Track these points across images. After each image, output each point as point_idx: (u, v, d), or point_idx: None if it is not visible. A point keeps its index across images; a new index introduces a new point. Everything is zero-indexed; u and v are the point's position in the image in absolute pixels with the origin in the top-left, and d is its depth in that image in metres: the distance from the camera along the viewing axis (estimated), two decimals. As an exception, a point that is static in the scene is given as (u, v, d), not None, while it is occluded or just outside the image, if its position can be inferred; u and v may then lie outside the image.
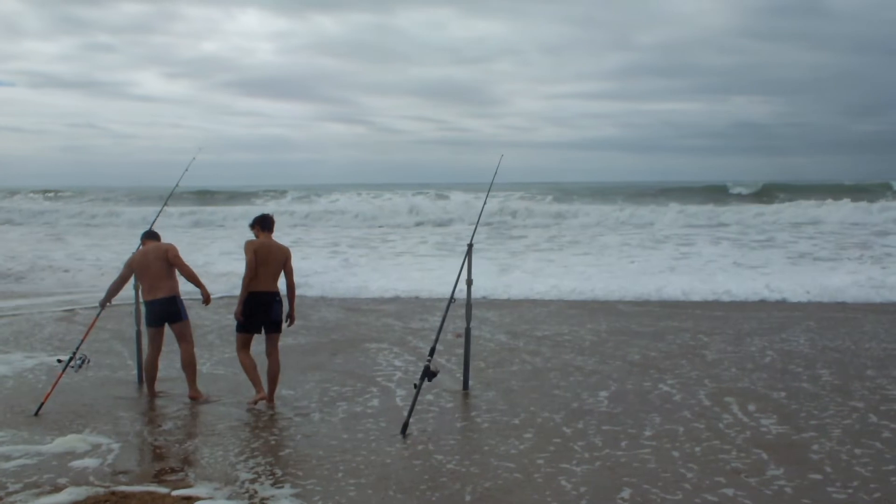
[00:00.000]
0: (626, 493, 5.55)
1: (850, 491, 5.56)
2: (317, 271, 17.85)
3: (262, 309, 7.87)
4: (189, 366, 8.25)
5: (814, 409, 7.60)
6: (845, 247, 23.08)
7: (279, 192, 54.80)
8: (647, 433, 6.97)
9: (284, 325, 8.11)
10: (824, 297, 14.37)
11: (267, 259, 7.86)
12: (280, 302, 7.97)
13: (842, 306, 13.69)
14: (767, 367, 9.43)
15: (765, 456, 6.29)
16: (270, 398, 7.99)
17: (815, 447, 6.51)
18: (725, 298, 14.58)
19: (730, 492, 5.55)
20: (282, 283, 8.06)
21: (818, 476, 5.86)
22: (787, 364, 9.52)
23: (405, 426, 6.88)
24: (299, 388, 8.68)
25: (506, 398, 8.13)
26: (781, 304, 14.12)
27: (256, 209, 40.96)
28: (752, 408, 7.67)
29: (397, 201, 43.99)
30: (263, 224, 8.08)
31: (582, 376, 9.11)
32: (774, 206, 37.50)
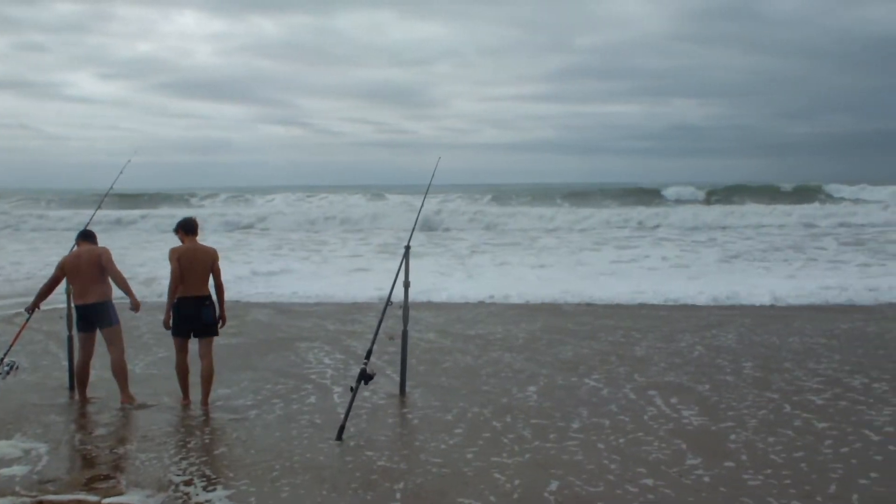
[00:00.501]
0: (553, 486, 5.72)
1: (761, 478, 5.82)
2: (252, 274, 17.72)
3: (191, 313, 7.88)
4: (120, 371, 8.19)
5: (733, 401, 7.90)
6: (780, 248, 23.82)
7: (213, 194, 54.22)
8: (575, 426, 7.18)
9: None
10: (758, 297, 14.53)
11: (192, 264, 7.87)
12: (211, 305, 7.99)
13: (773, 308, 13.90)
14: (695, 361, 9.73)
15: (684, 446, 6.54)
16: (205, 401, 8.00)
17: (733, 437, 6.78)
18: (661, 300, 14.67)
19: (650, 482, 5.76)
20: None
21: (733, 464, 6.12)
22: (714, 358, 9.84)
23: (341, 430, 6.89)
24: (234, 388, 8.71)
25: (437, 396, 8.26)
26: (715, 305, 14.29)
27: (193, 211, 40.38)
28: (674, 400, 7.93)
29: (336, 203, 43.98)
30: (187, 228, 8.08)
31: (512, 373, 9.30)
32: (711, 208, 38.46)
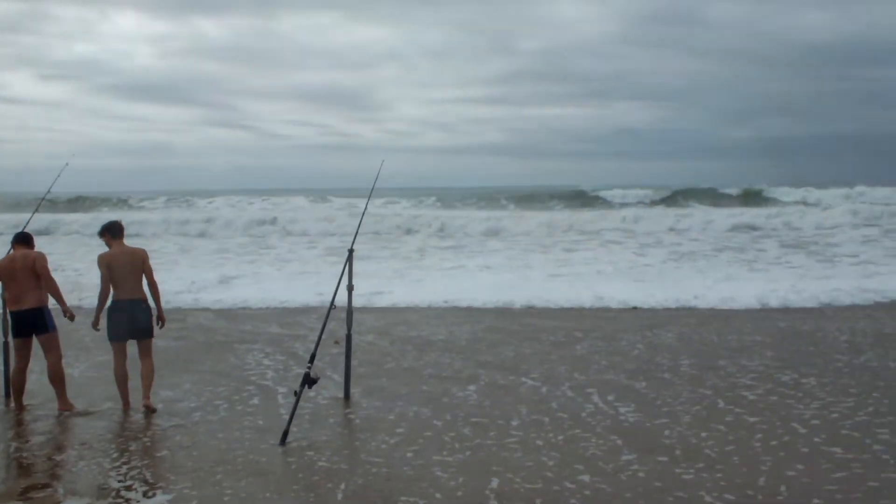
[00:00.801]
0: (494, 483, 5.82)
1: (692, 472, 5.98)
2: (194, 279, 17.43)
3: (127, 317, 7.85)
4: (57, 378, 8.07)
5: (669, 398, 8.10)
6: (723, 250, 24.31)
7: (152, 197, 53.43)
8: (514, 423, 7.30)
9: (157, 328, 8.09)
10: (703, 300, 14.57)
11: (123, 267, 7.85)
12: (147, 308, 7.97)
13: (715, 310, 13.92)
14: (635, 359, 9.94)
15: (620, 442, 6.69)
16: (146, 395, 7.95)
17: (667, 432, 6.95)
18: (606, 303, 14.56)
19: (587, 478, 5.89)
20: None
21: (667, 458, 6.29)
22: (654, 356, 10.05)
23: (285, 434, 6.87)
24: (176, 390, 8.68)
25: (379, 397, 8.30)
26: (660, 307, 14.25)
27: (134, 215, 39.68)
28: (612, 398, 8.10)
29: (280, 206, 43.63)
30: (113, 231, 8.05)
31: (453, 372, 9.41)
32: (656, 211, 39.04)
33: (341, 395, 8.33)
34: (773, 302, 14.31)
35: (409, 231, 31.84)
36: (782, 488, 5.64)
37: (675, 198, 48.53)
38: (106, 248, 8.04)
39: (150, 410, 7.86)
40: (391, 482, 5.89)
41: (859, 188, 48.98)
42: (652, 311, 13.83)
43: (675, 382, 8.74)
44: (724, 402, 7.91)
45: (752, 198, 47.95)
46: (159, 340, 9.55)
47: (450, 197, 52.28)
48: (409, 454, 6.50)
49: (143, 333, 8.01)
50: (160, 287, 8.22)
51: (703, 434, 6.90)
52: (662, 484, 5.76)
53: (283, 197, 52.45)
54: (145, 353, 8.04)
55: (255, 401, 8.25)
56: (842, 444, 6.58)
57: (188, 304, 14.72)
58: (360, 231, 8.68)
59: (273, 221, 34.43)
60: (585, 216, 35.23)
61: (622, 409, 7.71)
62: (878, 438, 6.74)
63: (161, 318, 8.11)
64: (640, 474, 5.97)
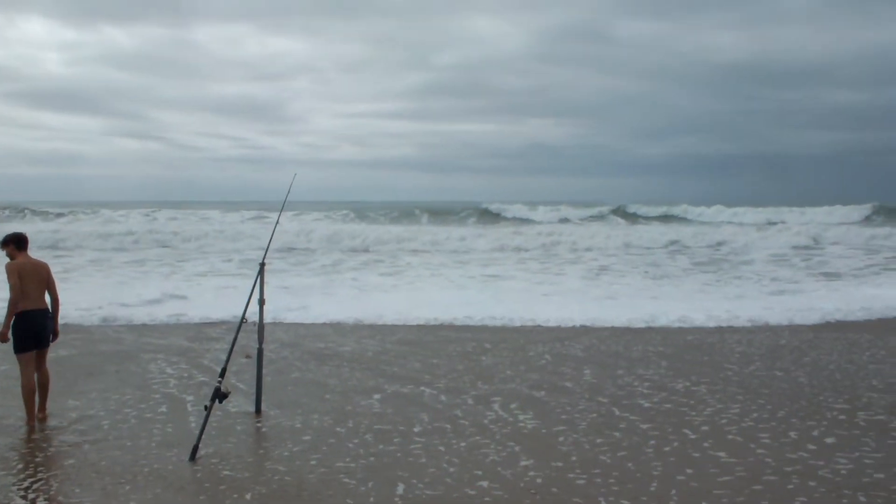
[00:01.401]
0: (400, 489, 5.96)
1: (586, 477, 6.22)
2: (106, 294, 17.01)
3: (38, 327, 7.83)
4: None
5: (567, 406, 8.37)
6: (637, 265, 24.96)
7: (64, 208, 51.86)
8: (417, 430, 7.47)
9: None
10: (616, 318, 14.39)
11: (31, 278, 7.82)
12: (50, 318, 7.98)
13: (629, 327, 13.84)
14: (540, 369, 10.19)
15: (518, 448, 6.91)
16: (42, 407, 7.94)
17: (562, 439, 7.21)
18: (520, 319, 14.34)
19: (486, 484, 6.07)
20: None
21: (561, 464, 6.52)
22: (559, 367, 10.33)
23: (195, 450, 6.79)
24: (83, 399, 8.58)
25: (285, 408, 8.33)
26: (566, 324, 14.05)
27: (43, 226, 38.47)
28: (514, 406, 8.33)
29: (190, 218, 42.93)
30: (18, 243, 7.98)
31: (357, 382, 9.53)
32: (573, 227, 39.85)
33: (251, 408, 8.28)
34: (685, 319, 14.34)
35: (322, 245, 31.63)
36: (672, 492, 5.90)
37: (591, 213, 49.69)
38: (7, 259, 7.93)
39: (43, 421, 7.83)
40: (301, 490, 5.96)
41: (770, 208, 51.32)
42: (559, 326, 13.89)
43: (576, 391, 9.02)
44: (619, 410, 8.21)
45: (666, 215, 49.54)
46: (60, 349, 9.38)
47: (364, 210, 52.28)
48: (313, 462, 6.57)
49: (46, 343, 8.01)
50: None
51: (599, 440, 7.17)
52: (560, 490, 5.96)
53: (196, 209, 51.65)
54: (42, 361, 8.04)
55: (163, 408, 8.21)
56: (727, 449, 6.92)
57: (94, 322, 14.14)
58: (274, 245, 8.63)
59: (181, 233, 33.85)
60: (500, 231, 35.66)
61: (521, 417, 7.94)
62: (761, 443, 7.11)
63: (55, 333, 8.11)
64: (538, 480, 6.17)
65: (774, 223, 43.82)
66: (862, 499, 5.77)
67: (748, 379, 9.64)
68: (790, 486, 6.02)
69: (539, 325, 13.99)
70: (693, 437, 7.29)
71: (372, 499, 5.76)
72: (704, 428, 7.57)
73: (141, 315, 14.81)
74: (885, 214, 51.26)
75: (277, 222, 9.11)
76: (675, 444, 7.09)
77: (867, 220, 49.71)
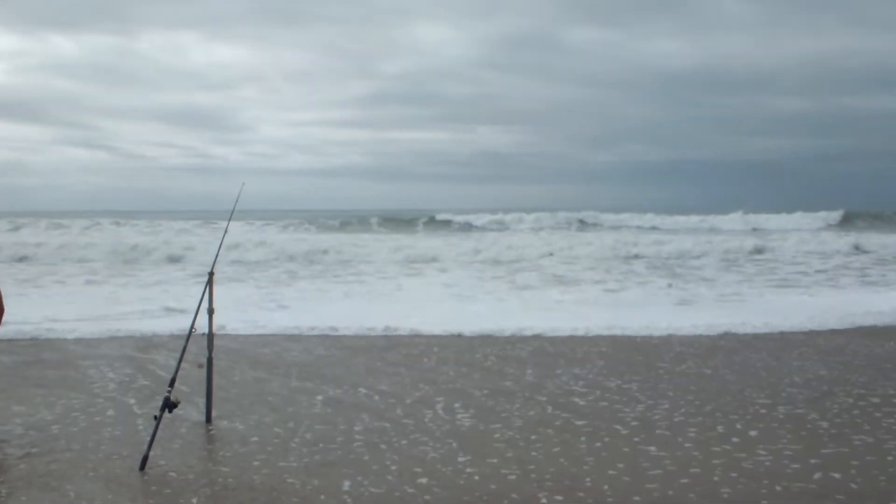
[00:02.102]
0: (346, 486, 6.13)
1: (520, 472, 6.46)
2: (49, 307, 16.81)
3: None
4: None
5: (506, 404, 8.63)
6: (593, 268, 25.35)
7: (8, 217, 50.88)
8: (358, 428, 7.69)
9: None
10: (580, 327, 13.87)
11: None
12: None
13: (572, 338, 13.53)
14: (485, 370, 10.46)
15: (455, 445, 7.15)
16: None
17: (497, 436, 7.46)
18: (476, 327, 13.90)
19: (425, 481, 6.26)
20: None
21: (496, 461, 6.75)
22: (503, 367, 10.58)
23: (144, 460, 6.72)
24: (27, 404, 8.62)
25: (234, 415, 8.43)
26: (517, 331, 13.69)
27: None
28: (457, 405, 8.59)
29: (142, 230, 42.47)
30: None
31: (299, 382, 9.74)
32: (518, 238, 39.98)
33: (201, 416, 8.23)
34: (629, 327, 14.01)
35: (272, 254, 30.84)
36: (605, 487, 6.12)
37: (542, 221, 50.12)
38: None
39: None
40: (251, 490, 6.09)
41: (715, 216, 52.44)
42: (508, 335, 13.50)
43: (515, 390, 9.28)
44: (553, 408, 8.47)
45: (616, 222, 50.28)
46: (3, 356, 9.36)
47: (315, 219, 52.10)
48: (256, 463, 6.71)
49: None
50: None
51: (533, 437, 7.42)
52: (497, 487, 6.14)
53: (146, 219, 51.06)
54: None
55: (110, 417, 8.23)
56: (657, 443, 7.23)
57: (41, 334, 13.61)
58: (224, 255, 8.66)
59: (136, 245, 33.38)
60: (453, 240, 35.60)
61: (461, 415, 8.17)
62: (688, 437, 7.44)
63: None
64: (476, 477, 6.36)
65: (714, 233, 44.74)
66: (778, 489, 6.08)
67: (678, 377, 10.00)
68: (715, 479, 6.31)
69: (491, 336, 13.57)
70: (625, 432, 7.58)
71: (322, 497, 5.90)
72: (635, 423, 7.86)
73: (88, 327, 14.31)
74: (849, 220, 52.63)
75: (226, 231, 9.09)
76: (607, 439, 7.36)
77: (828, 226, 50.61)
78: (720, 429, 7.70)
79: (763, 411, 8.35)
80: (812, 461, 6.75)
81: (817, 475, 6.41)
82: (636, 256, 31.42)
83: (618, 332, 13.62)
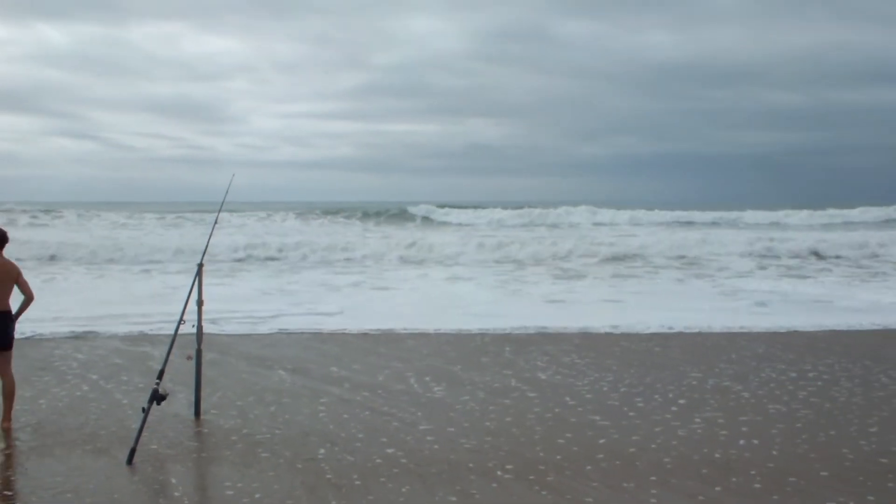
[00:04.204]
0: (322, 452, 6.60)
1: (475, 442, 6.96)
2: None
3: (2, 329, 7.53)
4: None
5: (475, 377, 9.26)
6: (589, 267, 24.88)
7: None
8: (324, 400, 8.29)
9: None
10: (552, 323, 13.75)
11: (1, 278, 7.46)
12: (11, 320, 7.63)
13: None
14: (461, 348, 11.21)
15: (419, 414, 7.73)
16: (7, 417, 7.53)
17: (458, 407, 8.02)
18: (454, 326, 13.44)
19: (392, 451, 6.69)
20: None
21: (453, 429, 7.29)
22: (484, 346, 11.36)
23: (132, 453, 6.49)
24: (18, 402, 8.06)
25: (220, 407, 8.37)
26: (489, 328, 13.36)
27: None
28: (428, 378, 9.24)
29: (133, 221, 42.43)
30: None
31: (262, 369, 10.03)
32: (508, 231, 39.77)
33: (189, 409, 8.01)
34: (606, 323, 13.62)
35: (261, 248, 28.66)
36: (557, 457, 6.51)
37: (526, 217, 49.80)
38: None
39: (8, 431, 7.43)
40: (229, 460, 6.50)
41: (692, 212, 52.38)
42: (481, 333, 12.91)
43: (487, 364, 9.92)
44: (516, 381, 9.09)
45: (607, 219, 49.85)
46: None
47: (304, 211, 51.48)
48: (234, 438, 7.09)
49: (8, 345, 7.64)
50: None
51: (490, 408, 7.98)
52: (456, 456, 6.53)
53: (134, 210, 50.99)
54: (7, 365, 7.56)
55: (100, 411, 8.13)
56: (603, 413, 7.80)
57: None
58: (213, 248, 8.50)
59: (127, 237, 33.00)
60: (447, 237, 33.40)
61: (434, 387, 8.81)
62: (635, 406, 8.04)
63: (19, 313, 7.69)
64: (436, 446, 6.79)
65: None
66: (717, 456, 6.61)
67: (622, 353, 10.90)
68: (654, 446, 6.80)
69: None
70: (572, 402, 8.20)
71: (300, 465, 6.27)
72: (588, 396, 8.50)
73: (79, 322, 13.83)
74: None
75: (215, 223, 8.92)
76: (557, 409, 7.95)
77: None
78: (658, 398, 8.35)
79: (695, 383, 9.12)
80: None
81: None
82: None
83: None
